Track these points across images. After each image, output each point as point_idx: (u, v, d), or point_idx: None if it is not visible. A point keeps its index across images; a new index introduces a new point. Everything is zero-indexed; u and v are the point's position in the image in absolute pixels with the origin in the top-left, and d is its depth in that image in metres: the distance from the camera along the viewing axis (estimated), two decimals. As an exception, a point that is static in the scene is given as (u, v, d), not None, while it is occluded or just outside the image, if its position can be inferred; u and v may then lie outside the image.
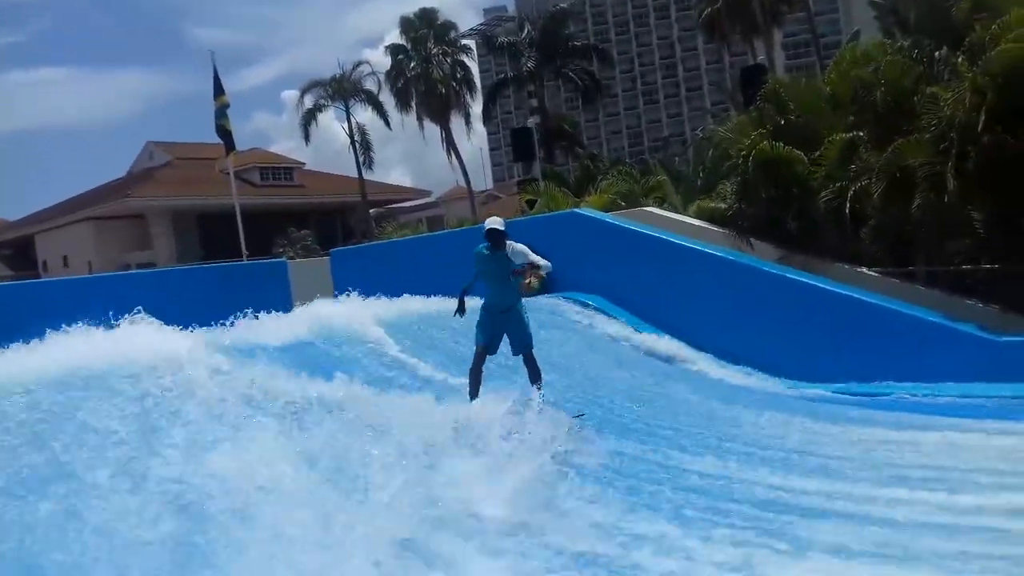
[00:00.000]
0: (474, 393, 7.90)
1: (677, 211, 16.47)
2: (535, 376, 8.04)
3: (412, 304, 11.14)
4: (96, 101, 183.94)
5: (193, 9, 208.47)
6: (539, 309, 12.69)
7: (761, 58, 30.26)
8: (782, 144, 14.14)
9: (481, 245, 8.07)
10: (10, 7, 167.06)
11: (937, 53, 13.58)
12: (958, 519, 5.75)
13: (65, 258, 41.13)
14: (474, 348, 8.05)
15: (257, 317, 8.50)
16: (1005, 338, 10.75)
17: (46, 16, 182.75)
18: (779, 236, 14.28)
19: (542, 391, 7.80)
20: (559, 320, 12.72)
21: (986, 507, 5.97)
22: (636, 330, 12.76)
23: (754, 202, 14.49)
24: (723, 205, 15.41)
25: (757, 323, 12.24)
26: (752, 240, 14.36)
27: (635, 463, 7.22)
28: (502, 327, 8.04)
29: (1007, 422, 8.72)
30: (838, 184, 13.38)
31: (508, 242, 8.02)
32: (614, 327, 12.89)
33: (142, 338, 6.42)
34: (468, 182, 42.10)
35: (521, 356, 8.09)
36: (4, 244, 47.06)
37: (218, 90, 23.22)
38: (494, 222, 8.12)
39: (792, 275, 12.67)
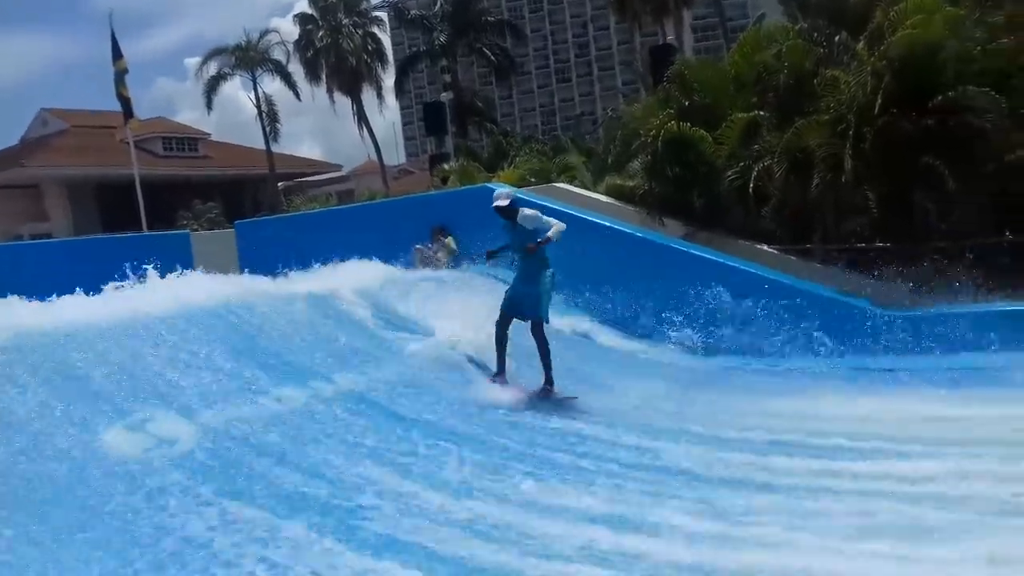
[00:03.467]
0: (500, 363, 8.34)
1: (588, 188, 16.65)
2: (544, 350, 8.30)
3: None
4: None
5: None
6: (451, 281, 12.71)
7: (671, 38, 30.71)
8: (688, 124, 14.44)
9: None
10: None
11: (837, 37, 14.04)
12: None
13: (-48, 229, 39.06)
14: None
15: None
16: (893, 312, 11.25)
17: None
18: (687, 214, 14.61)
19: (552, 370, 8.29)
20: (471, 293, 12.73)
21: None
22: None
23: (662, 180, 14.78)
24: (632, 183, 15.67)
25: (658, 297, 12.52)
26: (662, 218, 14.64)
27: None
28: (522, 297, 8.36)
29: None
30: (741, 164, 13.77)
31: (520, 210, 8.33)
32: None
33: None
34: (380, 156, 41.69)
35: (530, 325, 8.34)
36: None
37: (116, 54, 22.37)
38: (497, 197, 8.42)
39: (696, 251, 12.97)
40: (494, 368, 8.51)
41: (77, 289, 7.35)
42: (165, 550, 4.40)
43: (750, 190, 13.42)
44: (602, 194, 15.80)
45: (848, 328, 11.17)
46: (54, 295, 7.21)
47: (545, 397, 8.25)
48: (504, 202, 8.23)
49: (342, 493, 5.35)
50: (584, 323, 12.35)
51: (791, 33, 14.70)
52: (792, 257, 13.39)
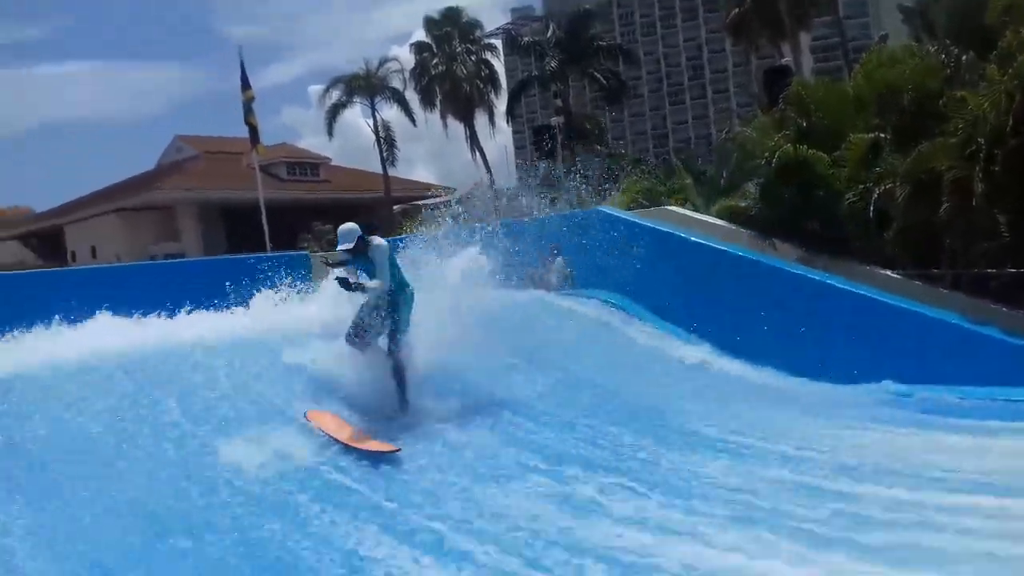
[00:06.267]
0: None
1: (699, 211, 16.46)
2: (397, 370, 7.87)
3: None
4: (124, 95, 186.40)
5: (222, 4, 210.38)
6: (559, 307, 12.79)
7: (787, 60, 30.11)
8: (805, 147, 14.12)
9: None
10: (36, 1, 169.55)
11: (964, 57, 13.51)
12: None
13: (94, 248, 41.61)
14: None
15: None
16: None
17: (73, 10, 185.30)
18: (801, 237, 14.26)
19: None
20: (581, 319, 12.77)
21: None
22: (657, 329, 12.78)
23: (776, 203, 14.49)
24: (744, 204, 15.41)
25: (779, 324, 12.20)
26: (775, 241, 14.33)
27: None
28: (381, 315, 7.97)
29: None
30: (861, 186, 13.35)
31: (371, 241, 7.86)
32: (635, 326, 12.94)
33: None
34: (492, 180, 42.21)
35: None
36: (33, 234, 47.67)
37: (245, 84, 23.45)
38: (343, 239, 7.79)
39: (813, 275, 12.64)
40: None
41: (221, 302, 8.01)
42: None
43: (870, 213, 13.01)
44: (714, 216, 15.57)
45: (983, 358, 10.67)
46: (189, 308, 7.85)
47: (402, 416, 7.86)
48: (350, 245, 7.77)
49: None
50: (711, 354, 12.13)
51: (917, 53, 14.22)
52: (916, 282, 12.88)
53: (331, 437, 6.92)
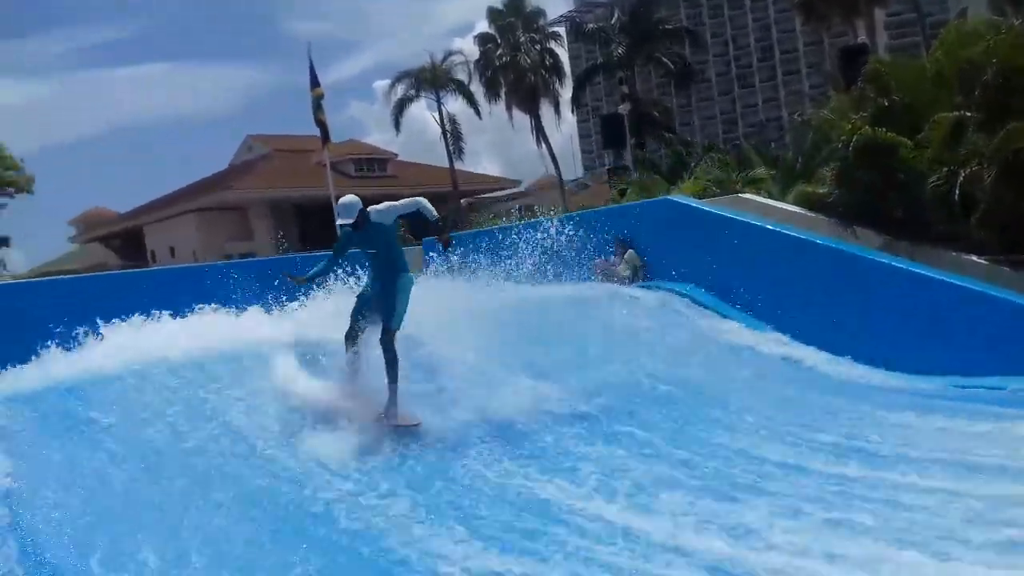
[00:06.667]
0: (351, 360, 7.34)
1: (773, 198, 16.05)
2: (391, 366, 7.16)
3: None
4: (198, 95, 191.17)
5: (288, 2, 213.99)
6: (629, 297, 12.62)
7: (862, 38, 29.20)
8: (884, 128, 13.61)
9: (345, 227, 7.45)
10: (115, 5, 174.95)
11: (1053, 30, 12.85)
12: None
13: (172, 248, 42.83)
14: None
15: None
16: None
17: (148, 13, 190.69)
18: (882, 222, 13.77)
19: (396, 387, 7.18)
20: (654, 310, 12.56)
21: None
22: (732, 320, 12.49)
23: (855, 187, 14.01)
24: (822, 190, 14.95)
25: (863, 314, 11.78)
26: (855, 227, 13.86)
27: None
28: (377, 299, 7.36)
29: None
30: (946, 168, 12.82)
31: (370, 209, 7.31)
32: (708, 318, 12.66)
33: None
34: (558, 170, 42.01)
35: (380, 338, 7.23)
36: (115, 235, 49.28)
37: (314, 82, 23.65)
38: (340, 215, 7.27)
39: (899, 263, 12.18)
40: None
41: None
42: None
43: (955, 196, 12.49)
44: (791, 203, 15.15)
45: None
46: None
47: (388, 422, 7.12)
48: (350, 219, 7.19)
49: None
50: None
51: (1001, 27, 13.57)
52: (1005, 269, 12.31)
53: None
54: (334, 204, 23.49)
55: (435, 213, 7.62)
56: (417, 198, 7.54)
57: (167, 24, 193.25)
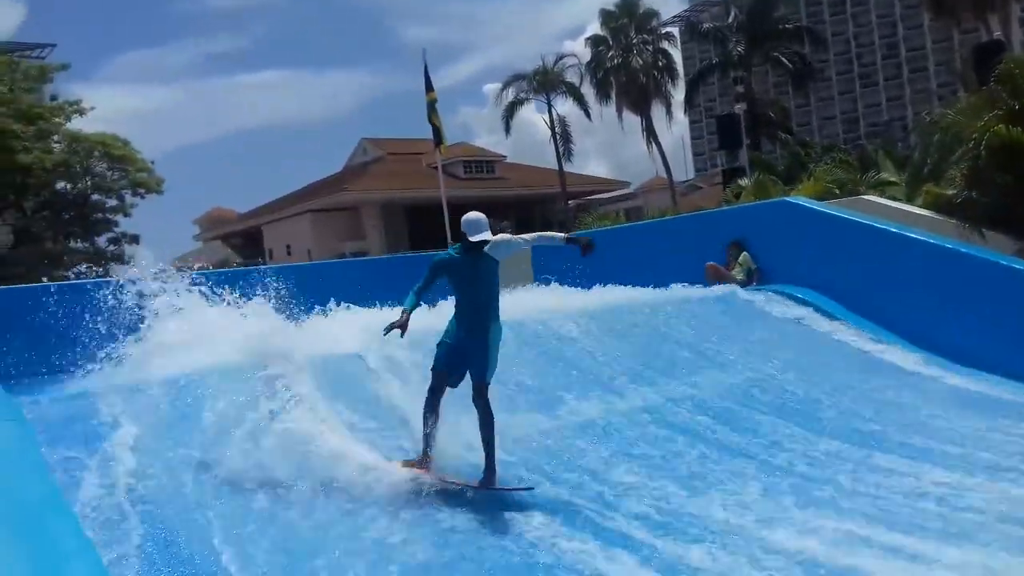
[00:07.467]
0: (428, 434, 6.07)
1: (900, 200, 15.23)
2: (487, 426, 5.99)
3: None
4: (315, 100, 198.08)
5: (402, 9, 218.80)
6: (740, 302, 12.15)
7: (997, 34, 27.55)
8: (1020, 128, 12.69)
9: (450, 249, 6.37)
10: (234, 15, 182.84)
11: None
12: None
13: (288, 247, 44.23)
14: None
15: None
16: None
17: (267, 22, 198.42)
18: (1017, 227, 12.86)
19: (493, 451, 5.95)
20: (768, 316, 12.04)
21: None
22: (858, 329, 11.81)
23: (987, 190, 13.14)
24: (950, 192, 14.09)
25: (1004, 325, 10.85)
26: (984, 231, 12.99)
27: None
28: (465, 349, 6.10)
29: None
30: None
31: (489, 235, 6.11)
32: (831, 326, 12.01)
33: None
34: (669, 172, 41.38)
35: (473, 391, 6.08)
36: (235, 234, 51.33)
37: (428, 87, 23.91)
38: (475, 229, 6.04)
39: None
40: None
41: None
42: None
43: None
44: (918, 206, 14.32)
45: None
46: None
47: (486, 488, 5.95)
48: (488, 233, 6.02)
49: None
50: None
51: None
52: None
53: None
54: (445, 206, 23.78)
55: (559, 236, 6.50)
56: (539, 233, 6.56)
57: (285, 33, 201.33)
